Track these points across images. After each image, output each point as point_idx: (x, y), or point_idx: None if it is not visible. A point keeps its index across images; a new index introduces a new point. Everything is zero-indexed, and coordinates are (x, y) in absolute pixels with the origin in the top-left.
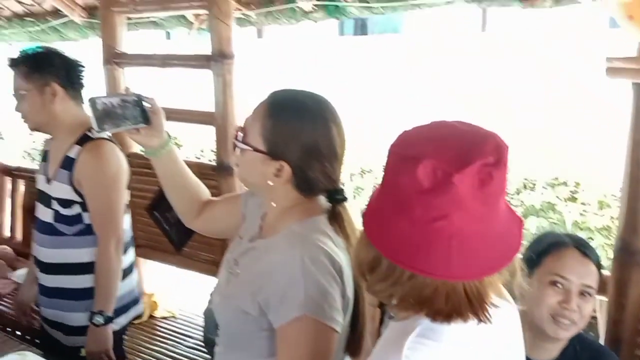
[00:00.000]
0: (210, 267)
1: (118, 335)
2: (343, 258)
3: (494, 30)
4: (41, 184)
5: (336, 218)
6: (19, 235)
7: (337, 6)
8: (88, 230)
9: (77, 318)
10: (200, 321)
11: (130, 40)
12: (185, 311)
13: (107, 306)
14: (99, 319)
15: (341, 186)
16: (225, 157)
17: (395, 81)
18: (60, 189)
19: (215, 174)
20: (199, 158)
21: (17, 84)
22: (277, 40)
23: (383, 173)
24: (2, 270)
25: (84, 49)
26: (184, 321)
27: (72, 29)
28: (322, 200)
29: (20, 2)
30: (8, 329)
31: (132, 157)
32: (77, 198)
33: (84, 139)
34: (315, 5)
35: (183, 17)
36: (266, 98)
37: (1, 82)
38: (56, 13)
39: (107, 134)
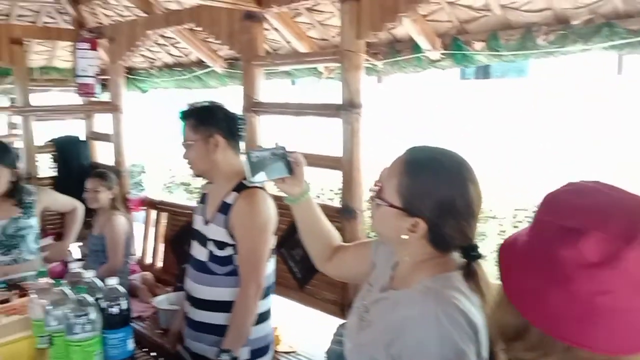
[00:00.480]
0: (331, 306)
1: None
2: (479, 317)
3: (630, 75)
4: (198, 225)
5: (471, 275)
6: (159, 263)
7: (465, 54)
8: (237, 271)
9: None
10: (322, 359)
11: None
12: (306, 348)
13: (235, 346)
14: (225, 357)
15: (476, 243)
16: (350, 201)
17: (520, 126)
18: (216, 232)
19: (339, 217)
20: (318, 196)
21: (186, 134)
22: (397, 85)
23: (529, 238)
24: (144, 295)
25: (222, 94)
26: (305, 358)
27: (214, 78)
28: (456, 256)
29: (170, 54)
30: (150, 352)
31: None
32: (230, 241)
33: (240, 187)
34: (443, 54)
35: (314, 67)
36: (403, 154)
37: (149, 123)
38: (200, 64)
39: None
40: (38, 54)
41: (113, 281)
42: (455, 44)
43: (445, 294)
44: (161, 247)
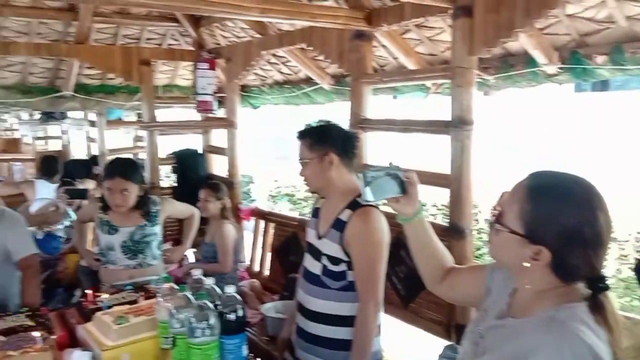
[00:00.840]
0: (436, 326)
1: None
2: (606, 352)
3: None
4: (312, 238)
5: (598, 308)
6: (266, 271)
7: (585, 68)
8: (350, 286)
9: None
10: None
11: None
12: None
13: None
14: None
15: (604, 273)
16: (458, 219)
17: None
18: (330, 247)
19: (447, 235)
20: None
21: (302, 153)
22: (505, 97)
23: None
24: (253, 302)
25: (329, 110)
26: None
27: (321, 94)
28: (581, 286)
29: (281, 72)
30: (255, 357)
31: None
32: (344, 257)
33: (354, 204)
34: (561, 68)
35: (422, 83)
36: (525, 179)
37: (257, 135)
38: (309, 81)
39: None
40: (162, 73)
41: (231, 289)
42: (574, 57)
43: (570, 325)
44: (268, 256)
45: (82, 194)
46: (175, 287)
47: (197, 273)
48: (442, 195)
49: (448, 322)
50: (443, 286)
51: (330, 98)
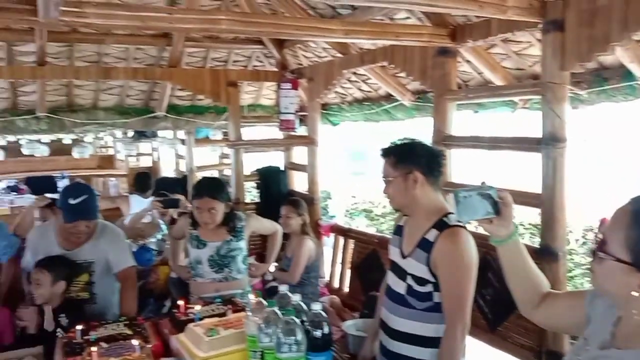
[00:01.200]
0: (525, 352)
1: None
2: None
3: None
4: (395, 257)
5: None
6: (345, 288)
7: None
8: (436, 307)
9: None
10: None
11: None
12: None
13: None
14: None
15: None
16: (551, 241)
17: None
18: (416, 267)
19: (538, 258)
20: None
21: (386, 171)
22: (597, 111)
23: None
24: (333, 318)
25: (409, 126)
26: None
27: (401, 111)
28: None
29: (360, 90)
30: None
31: None
32: (431, 278)
33: (441, 224)
34: None
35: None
36: (627, 204)
37: (334, 151)
38: (389, 98)
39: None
40: (247, 93)
41: (317, 306)
42: None
43: None
44: (348, 273)
45: (175, 204)
46: (264, 302)
47: (283, 289)
48: (527, 214)
49: (539, 348)
50: (539, 312)
51: (411, 114)
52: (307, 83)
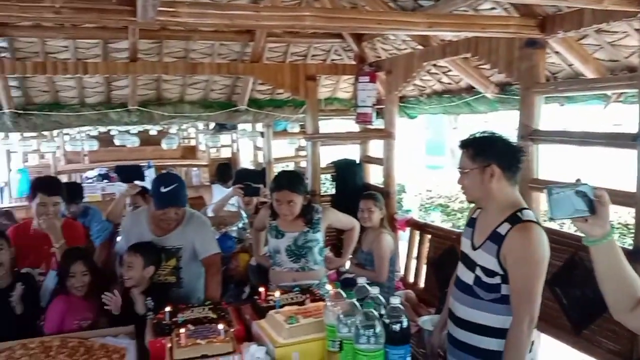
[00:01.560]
0: (614, 358)
1: None
2: None
3: None
4: (466, 248)
5: None
6: (421, 283)
7: None
8: (503, 299)
9: None
10: None
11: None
12: None
13: None
14: None
15: None
16: None
17: None
18: (485, 259)
19: (631, 259)
20: None
21: (463, 162)
22: None
23: None
24: (408, 313)
25: (490, 119)
26: None
27: (483, 103)
28: None
29: (440, 82)
30: None
31: None
32: (500, 271)
33: (514, 219)
34: None
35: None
36: None
37: (409, 143)
38: (471, 90)
39: (535, 217)
40: (325, 87)
41: (396, 300)
42: None
43: None
44: (423, 268)
45: (256, 192)
46: (343, 293)
47: (362, 281)
48: (617, 213)
49: (630, 354)
50: (632, 316)
51: (494, 107)
52: (386, 76)
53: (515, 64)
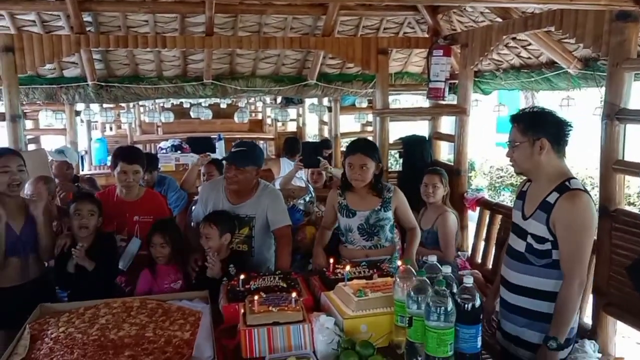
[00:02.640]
0: None
1: None
2: None
3: None
4: (517, 219)
5: None
6: (489, 264)
7: None
8: (554, 264)
9: (530, 335)
10: None
11: None
12: None
13: (561, 335)
14: (552, 344)
15: None
16: None
17: None
18: (536, 227)
19: None
20: None
21: (514, 135)
22: None
23: None
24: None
25: (571, 97)
26: None
27: (564, 80)
28: None
29: (519, 56)
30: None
31: (618, 214)
32: (549, 237)
33: (562, 188)
34: None
35: None
36: None
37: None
38: (551, 65)
39: (582, 185)
40: (395, 61)
41: (470, 280)
42: None
43: None
44: (492, 249)
45: (316, 163)
46: (413, 270)
47: (432, 259)
48: None
49: None
50: None
51: (576, 84)
52: (461, 49)
53: (604, 38)
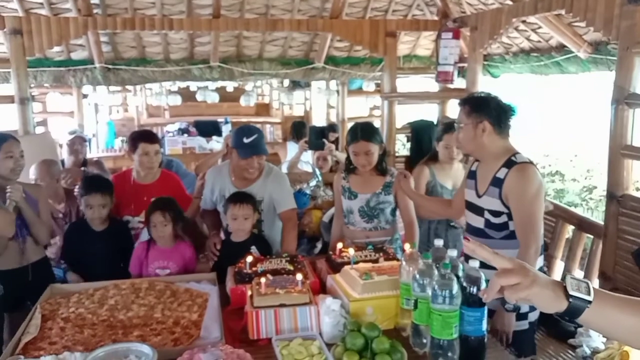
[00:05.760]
0: None
1: (531, 329)
2: None
3: None
4: (471, 197)
5: None
6: None
7: None
8: (512, 235)
9: (493, 304)
10: None
11: None
12: None
13: None
14: (509, 306)
15: None
16: None
17: None
18: (491, 202)
19: None
20: None
21: (460, 118)
22: None
23: None
24: None
25: (581, 81)
26: None
27: (574, 64)
28: None
29: (529, 40)
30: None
31: (625, 199)
32: (504, 209)
33: (510, 163)
34: None
35: None
36: None
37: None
38: (561, 49)
39: (528, 158)
40: (403, 43)
41: (475, 263)
42: None
43: None
44: None
45: (320, 145)
46: (419, 254)
47: (439, 243)
48: None
49: None
50: None
51: (586, 68)
52: (470, 32)
53: (615, 22)
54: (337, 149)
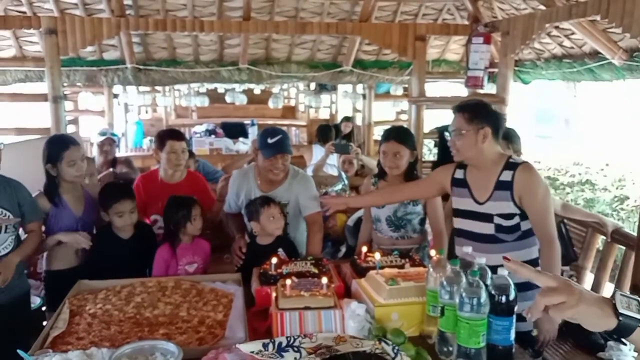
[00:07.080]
0: None
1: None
2: None
3: None
4: (468, 206)
5: None
6: None
7: None
8: (523, 235)
9: (522, 307)
10: None
11: None
12: None
13: None
14: None
15: None
16: None
17: None
18: (500, 206)
19: None
20: None
21: (459, 124)
22: None
23: None
24: None
25: (614, 88)
26: None
27: (608, 71)
28: None
29: (561, 46)
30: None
31: None
32: (516, 211)
33: (511, 165)
34: None
35: None
36: None
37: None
38: (595, 55)
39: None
40: (433, 48)
41: (504, 272)
42: None
43: None
44: None
45: (346, 149)
46: (447, 261)
47: (467, 250)
48: None
49: None
50: None
51: (620, 75)
52: (501, 37)
53: None
54: (362, 152)
